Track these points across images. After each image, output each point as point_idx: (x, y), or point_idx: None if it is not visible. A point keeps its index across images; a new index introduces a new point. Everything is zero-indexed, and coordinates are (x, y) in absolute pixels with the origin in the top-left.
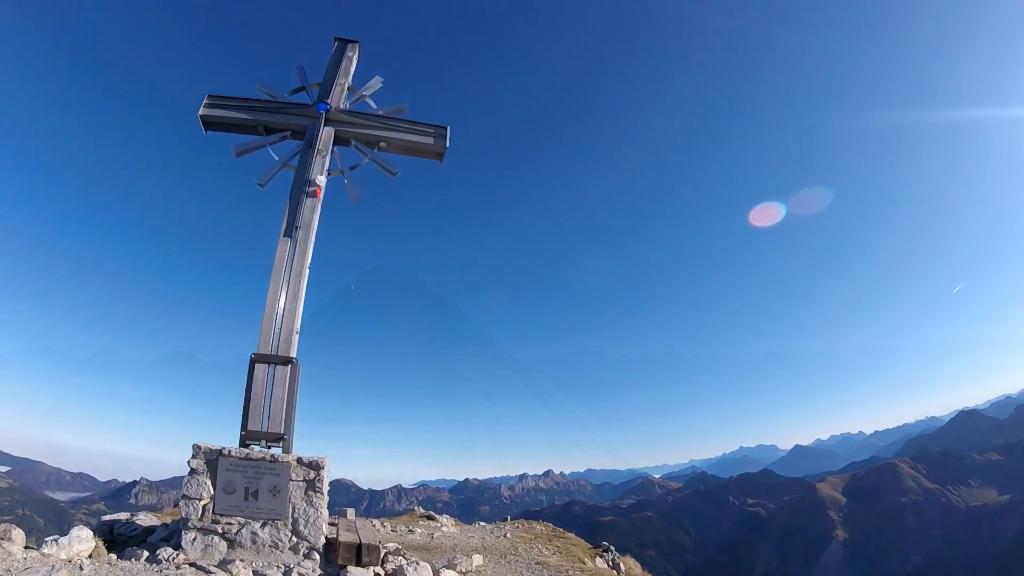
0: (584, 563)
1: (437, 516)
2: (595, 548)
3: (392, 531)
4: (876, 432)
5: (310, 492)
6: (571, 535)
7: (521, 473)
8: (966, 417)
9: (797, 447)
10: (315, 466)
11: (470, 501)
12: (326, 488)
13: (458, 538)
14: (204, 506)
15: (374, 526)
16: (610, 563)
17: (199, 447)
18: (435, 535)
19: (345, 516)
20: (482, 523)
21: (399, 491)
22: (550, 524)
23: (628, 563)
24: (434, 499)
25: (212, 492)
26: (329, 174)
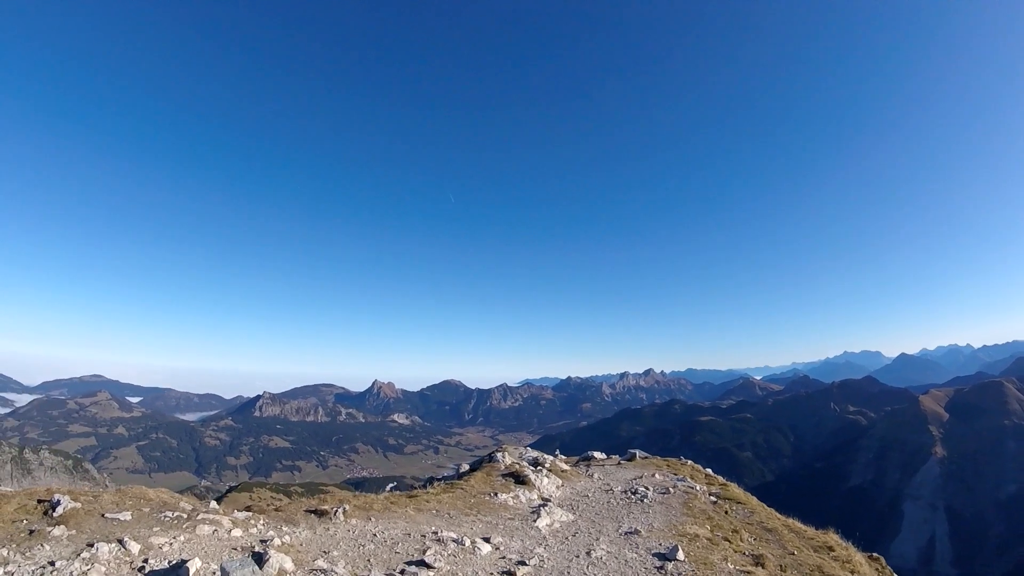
0: None
1: (531, 473)
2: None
3: (435, 541)
4: (985, 347)
5: None
6: (750, 500)
7: (622, 371)
8: None
9: (903, 356)
10: None
11: (572, 399)
12: None
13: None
14: None
15: None
16: None
17: None
18: (527, 557)
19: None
20: (596, 458)
21: (504, 390)
22: (697, 466)
23: None
24: (538, 397)
25: None
26: None
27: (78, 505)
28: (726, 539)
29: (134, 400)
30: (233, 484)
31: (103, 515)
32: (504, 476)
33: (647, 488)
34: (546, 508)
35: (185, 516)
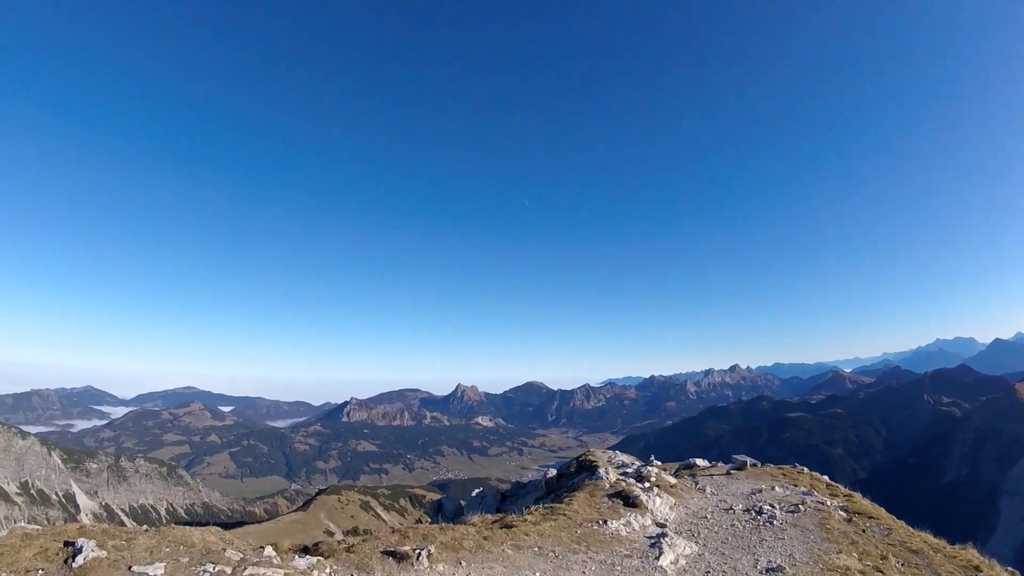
0: None
1: (642, 493)
2: None
3: None
4: None
5: None
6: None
7: (707, 368)
8: None
9: (997, 341)
10: None
11: (655, 398)
12: None
13: None
14: None
15: None
16: None
17: None
18: None
19: None
20: (699, 466)
21: (587, 390)
22: (815, 473)
23: None
24: (621, 396)
25: None
26: None
27: (103, 554)
28: (878, 569)
29: (226, 409)
30: (322, 487)
31: (130, 568)
32: (610, 497)
33: (772, 506)
34: (666, 539)
35: (229, 571)
